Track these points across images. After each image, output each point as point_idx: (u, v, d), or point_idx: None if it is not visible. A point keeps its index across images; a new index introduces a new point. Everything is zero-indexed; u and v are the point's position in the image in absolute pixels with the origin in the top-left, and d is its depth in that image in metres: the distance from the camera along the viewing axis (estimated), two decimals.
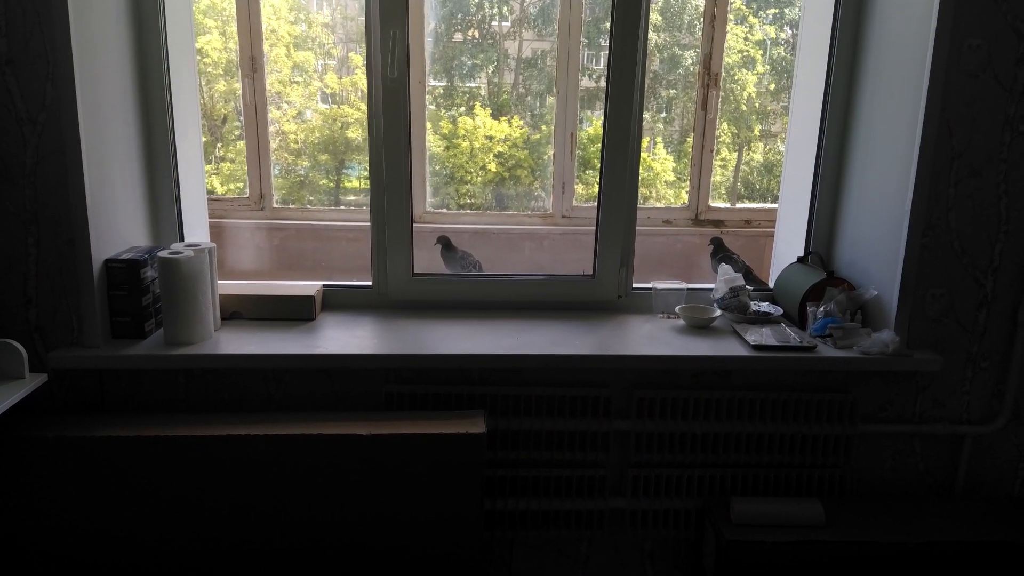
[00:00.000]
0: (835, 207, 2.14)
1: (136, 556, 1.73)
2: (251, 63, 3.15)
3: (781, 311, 2.08)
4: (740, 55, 3.64)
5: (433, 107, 3.59)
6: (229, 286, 2.03)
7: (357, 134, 3.69)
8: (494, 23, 3.61)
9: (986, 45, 1.76)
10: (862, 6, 1.99)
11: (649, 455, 1.96)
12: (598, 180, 2.08)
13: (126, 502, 1.70)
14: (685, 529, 2.01)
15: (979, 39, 1.75)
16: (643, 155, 2.07)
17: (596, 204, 2.09)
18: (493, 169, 3.62)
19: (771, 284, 2.26)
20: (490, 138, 3.59)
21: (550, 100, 3.49)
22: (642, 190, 2.14)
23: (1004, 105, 1.80)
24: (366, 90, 1.97)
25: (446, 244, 2.70)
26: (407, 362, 1.83)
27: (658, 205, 3.59)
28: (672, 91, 3.72)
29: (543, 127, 3.61)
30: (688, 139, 3.47)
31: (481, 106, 3.61)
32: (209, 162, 3.59)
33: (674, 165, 3.73)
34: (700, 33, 3.29)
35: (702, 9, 3.24)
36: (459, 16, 3.54)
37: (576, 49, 3.19)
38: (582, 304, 2.15)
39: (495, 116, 3.61)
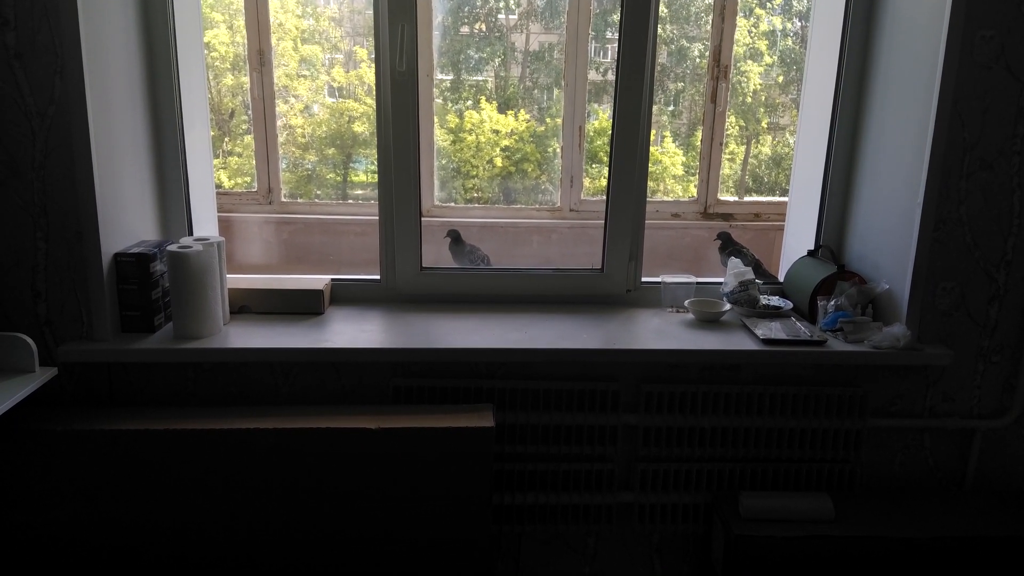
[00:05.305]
0: (846, 200, 2.12)
1: (144, 549, 1.73)
2: (259, 57, 3.14)
3: (791, 305, 2.07)
4: (746, 48, 3.62)
5: (440, 101, 3.57)
6: (238, 280, 2.03)
7: (363, 128, 3.68)
8: (501, 16, 3.59)
9: (999, 36, 1.74)
10: None
11: (657, 449, 1.95)
12: (606, 174, 2.07)
13: (135, 495, 1.70)
14: (693, 523, 2.01)
15: (992, 30, 1.74)
16: (651, 148, 2.06)
17: (604, 198, 2.08)
18: (499, 163, 3.61)
19: (781, 278, 2.25)
20: (496, 132, 3.58)
21: (557, 93, 3.47)
22: (650, 184, 2.13)
23: (1017, 97, 1.78)
24: (374, 84, 1.97)
25: (455, 238, 2.70)
26: (415, 356, 1.83)
27: (666, 199, 3.58)
28: (680, 84, 3.70)
29: (548, 120, 3.59)
30: (696, 132, 3.46)
31: (487, 100, 3.60)
32: (217, 156, 3.59)
33: (683, 159, 3.71)
34: (707, 25, 3.27)
35: (709, 1, 3.22)
36: (466, 9, 3.52)
37: (584, 42, 3.18)
38: (590, 298, 2.14)
39: (502, 110, 3.59)
